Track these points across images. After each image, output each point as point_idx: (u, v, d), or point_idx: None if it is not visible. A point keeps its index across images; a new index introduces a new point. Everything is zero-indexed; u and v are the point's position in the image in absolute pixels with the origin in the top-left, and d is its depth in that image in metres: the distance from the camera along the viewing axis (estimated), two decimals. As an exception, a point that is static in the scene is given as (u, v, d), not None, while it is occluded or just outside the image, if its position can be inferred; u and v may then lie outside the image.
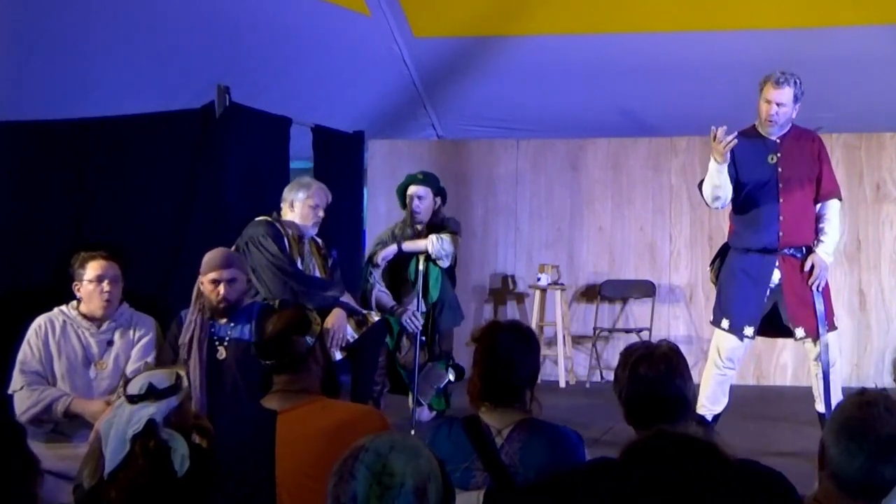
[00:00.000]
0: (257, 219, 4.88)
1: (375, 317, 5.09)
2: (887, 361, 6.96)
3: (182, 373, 2.99)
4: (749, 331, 4.70)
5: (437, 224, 5.63)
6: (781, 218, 4.67)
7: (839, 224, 4.85)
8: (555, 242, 7.83)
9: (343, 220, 6.83)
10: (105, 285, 3.85)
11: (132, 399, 2.80)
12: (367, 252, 5.97)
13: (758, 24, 6.80)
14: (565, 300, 7.54)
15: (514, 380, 2.72)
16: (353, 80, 7.45)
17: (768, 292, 4.70)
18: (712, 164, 4.61)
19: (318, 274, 4.95)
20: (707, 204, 4.82)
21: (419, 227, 5.63)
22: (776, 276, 4.69)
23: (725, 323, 4.72)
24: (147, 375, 2.97)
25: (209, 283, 4.04)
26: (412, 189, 5.59)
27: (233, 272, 4.06)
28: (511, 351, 2.74)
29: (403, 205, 5.70)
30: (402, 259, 5.62)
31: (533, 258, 7.78)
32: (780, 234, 4.67)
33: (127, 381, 2.97)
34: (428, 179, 5.65)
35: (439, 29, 7.33)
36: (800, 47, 6.59)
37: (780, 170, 4.67)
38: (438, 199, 5.68)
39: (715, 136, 4.52)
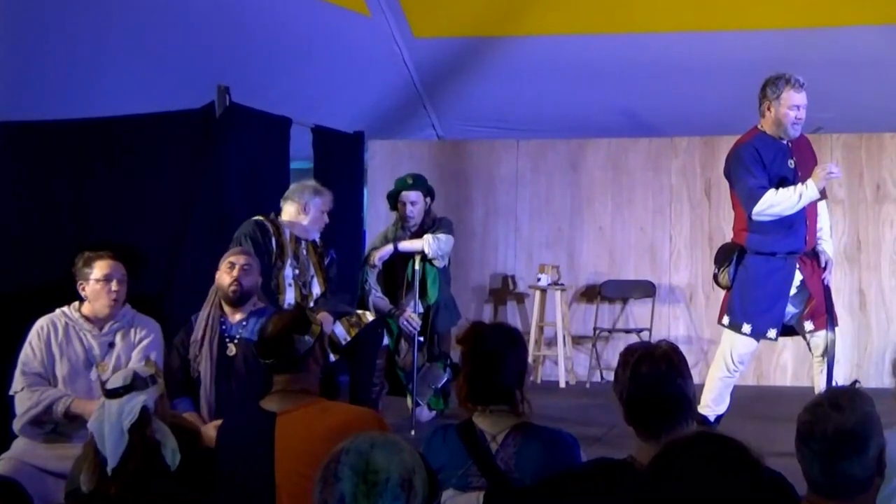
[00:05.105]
0: (251, 218, 4.90)
1: (370, 316, 5.09)
2: (887, 361, 6.95)
3: (159, 367, 3.03)
4: (773, 333, 4.76)
5: (429, 224, 5.64)
6: (809, 222, 4.75)
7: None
8: (555, 243, 7.82)
9: (343, 220, 6.81)
10: (113, 285, 3.87)
11: (116, 393, 2.80)
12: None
13: (758, 24, 6.80)
14: (565, 300, 7.54)
15: (500, 380, 2.71)
16: (353, 80, 7.45)
17: (792, 293, 4.75)
18: (813, 191, 4.60)
19: (312, 272, 4.96)
20: (753, 215, 4.67)
21: (412, 229, 5.64)
22: (798, 277, 4.74)
23: (747, 328, 4.73)
24: (128, 369, 3.00)
25: (225, 267, 4.14)
26: (404, 195, 5.62)
27: (249, 260, 4.20)
28: (495, 351, 2.72)
29: (393, 207, 5.73)
30: (398, 261, 5.62)
31: (533, 258, 7.77)
32: (807, 237, 4.75)
33: (104, 384, 2.99)
34: (417, 183, 5.66)
35: (439, 29, 7.33)
36: (800, 47, 6.59)
37: (799, 174, 4.72)
38: (429, 200, 5.70)
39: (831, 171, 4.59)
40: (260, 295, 4.35)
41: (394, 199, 5.70)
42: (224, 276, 4.14)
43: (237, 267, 4.13)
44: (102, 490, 2.75)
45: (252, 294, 4.19)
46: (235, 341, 4.10)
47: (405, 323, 5.49)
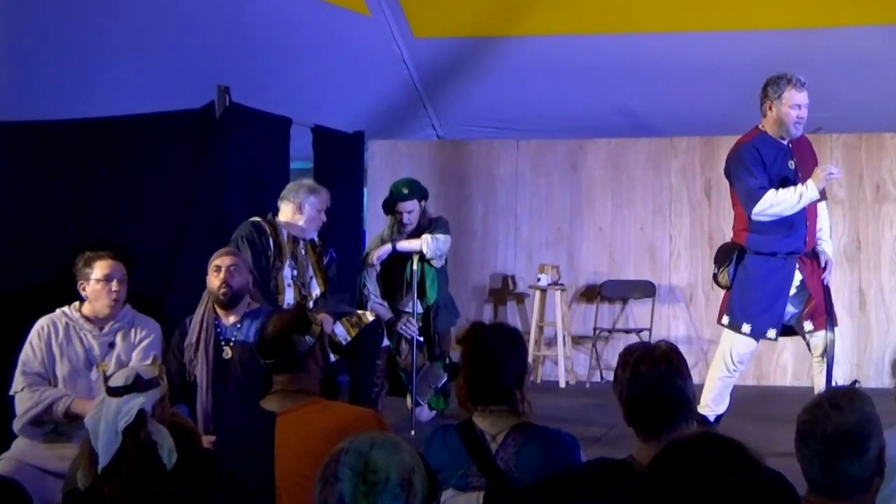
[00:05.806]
0: (248, 220, 4.90)
1: (370, 317, 5.09)
2: (887, 361, 6.96)
3: (162, 368, 3.03)
4: (772, 333, 4.77)
5: (425, 225, 5.65)
6: (808, 222, 4.76)
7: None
8: (555, 243, 7.82)
9: (343, 220, 6.82)
10: (114, 285, 3.87)
11: (117, 391, 2.81)
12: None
13: (758, 24, 6.80)
14: (565, 300, 7.53)
15: (500, 380, 2.71)
16: (353, 80, 7.45)
17: (791, 293, 4.75)
18: (813, 192, 4.62)
19: (311, 272, 4.95)
20: (753, 215, 4.69)
21: (409, 232, 5.64)
22: (797, 277, 4.75)
23: (746, 328, 4.74)
24: (131, 368, 3.00)
25: (212, 272, 4.14)
26: (400, 205, 5.62)
27: (235, 260, 4.19)
28: (495, 352, 2.72)
29: (388, 212, 5.73)
30: (396, 261, 5.62)
31: (533, 258, 7.77)
32: (807, 237, 4.76)
33: (107, 379, 2.99)
34: (413, 191, 5.66)
35: (439, 29, 7.33)
36: (800, 47, 6.59)
37: (799, 174, 4.73)
38: (423, 203, 5.70)
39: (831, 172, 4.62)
40: (256, 295, 4.34)
41: (389, 206, 5.71)
42: (213, 280, 4.13)
43: (223, 269, 4.12)
44: (98, 487, 2.75)
45: (243, 293, 4.18)
46: (231, 344, 4.09)
47: (403, 327, 5.50)
